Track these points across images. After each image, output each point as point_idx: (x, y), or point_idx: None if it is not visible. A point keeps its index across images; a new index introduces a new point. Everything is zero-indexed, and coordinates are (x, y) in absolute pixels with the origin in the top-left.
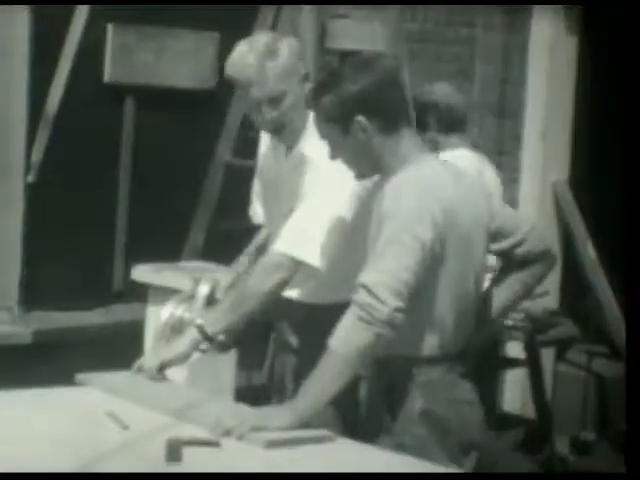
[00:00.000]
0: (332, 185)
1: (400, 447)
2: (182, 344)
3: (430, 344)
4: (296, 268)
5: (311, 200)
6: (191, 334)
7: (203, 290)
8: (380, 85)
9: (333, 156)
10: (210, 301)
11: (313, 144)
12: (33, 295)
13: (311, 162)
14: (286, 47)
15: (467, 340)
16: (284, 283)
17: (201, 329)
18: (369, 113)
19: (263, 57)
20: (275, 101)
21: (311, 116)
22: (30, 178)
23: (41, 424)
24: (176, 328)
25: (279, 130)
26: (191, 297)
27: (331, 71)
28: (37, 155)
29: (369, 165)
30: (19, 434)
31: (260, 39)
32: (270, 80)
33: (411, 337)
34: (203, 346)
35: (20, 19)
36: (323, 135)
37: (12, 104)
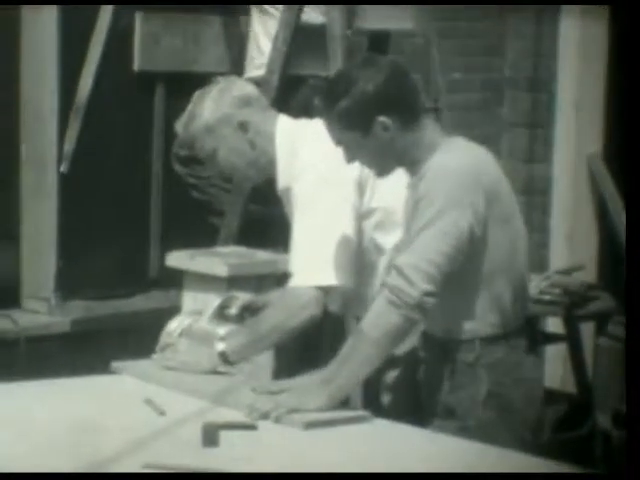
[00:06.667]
0: (310, 195)
1: (463, 430)
2: (199, 364)
3: (491, 322)
4: (325, 297)
5: (299, 221)
6: (211, 357)
7: (215, 301)
8: (393, 80)
9: (350, 159)
10: (223, 313)
11: (284, 177)
12: (69, 285)
13: (288, 191)
14: (210, 102)
15: (526, 313)
16: (315, 318)
17: (224, 357)
18: (389, 111)
19: (188, 119)
20: (209, 159)
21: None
22: (63, 168)
23: (79, 411)
24: (184, 333)
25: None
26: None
27: (337, 77)
28: (69, 145)
29: (393, 161)
30: (57, 421)
31: (193, 98)
32: (197, 140)
33: (471, 319)
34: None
35: (48, 9)
36: (339, 142)
37: (43, 95)
